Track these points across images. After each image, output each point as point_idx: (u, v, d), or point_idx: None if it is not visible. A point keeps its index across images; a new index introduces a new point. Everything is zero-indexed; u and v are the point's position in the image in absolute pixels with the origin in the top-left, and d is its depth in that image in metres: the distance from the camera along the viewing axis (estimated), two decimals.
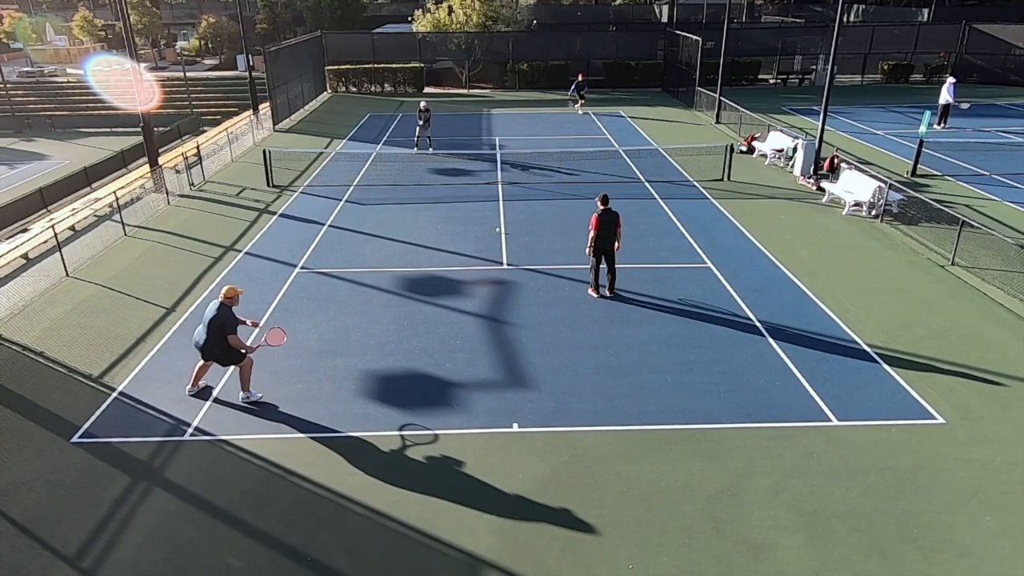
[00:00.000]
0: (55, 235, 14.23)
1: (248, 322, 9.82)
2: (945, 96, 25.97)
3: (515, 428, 9.10)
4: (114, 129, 34.06)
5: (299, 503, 7.87)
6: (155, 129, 22.35)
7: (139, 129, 21.27)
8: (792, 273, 13.73)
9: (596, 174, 20.55)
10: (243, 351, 9.33)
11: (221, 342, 9.13)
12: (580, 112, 30.63)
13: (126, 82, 31.17)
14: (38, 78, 42.77)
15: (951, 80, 26.34)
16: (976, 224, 14.27)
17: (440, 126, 25.77)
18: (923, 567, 6.95)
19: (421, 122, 23.19)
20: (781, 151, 21.49)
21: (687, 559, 7.07)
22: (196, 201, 18.89)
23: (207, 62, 51.56)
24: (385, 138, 26.26)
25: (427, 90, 37.36)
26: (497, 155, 23.15)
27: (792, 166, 20.78)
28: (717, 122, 28.22)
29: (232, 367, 9.96)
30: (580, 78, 30.93)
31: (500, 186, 19.65)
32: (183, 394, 9.85)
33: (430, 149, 23.37)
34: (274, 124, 28.38)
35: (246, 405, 9.59)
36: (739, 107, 26.35)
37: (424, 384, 10.11)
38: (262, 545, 7.30)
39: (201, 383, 9.91)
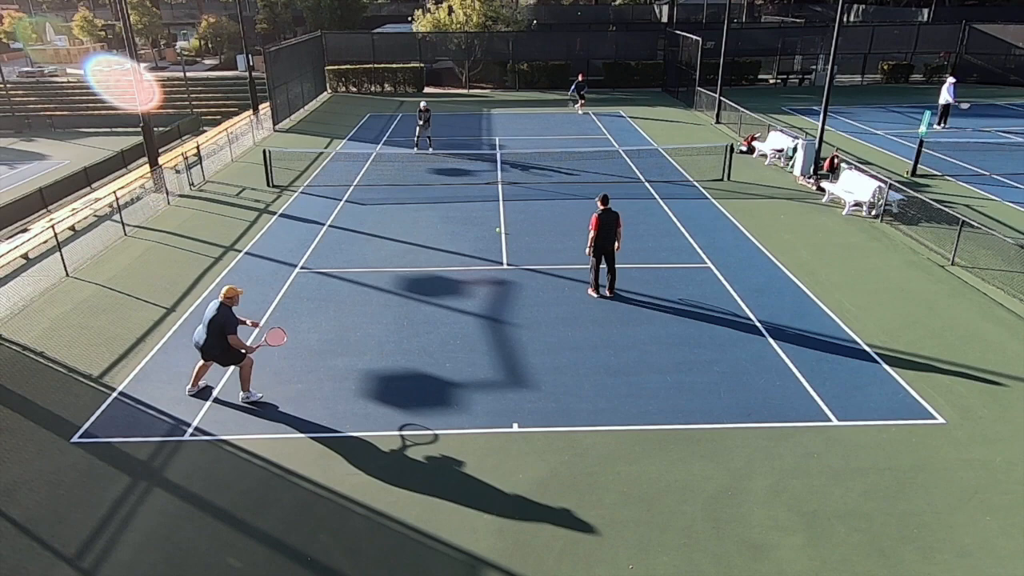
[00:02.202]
0: (55, 235, 14.23)
1: (248, 322, 9.82)
2: (945, 96, 25.97)
3: (515, 428, 9.10)
4: (114, 129, 34.10)
5: (299, 503, 7.87)
6: (155, 129, 22.37)
7: (139, 129, 21.28)
8: (792, 273, 13.73)
9: (596, 174, 20.55)
10: (243, 351, 9.31)
11: (221, 342, 9.12)
12: (580, 112, 30.63)
13: (126, 82, 31.21)
14: (38, 78, 42.81)
15: (951, 80, 26.34)
16: (976, 224, 14.26)
17: (440, 126, 25.79)
18: (923, 567, 6.95)
19: (421, 122, 23.19)
20: (781, 151, 21.49)
21: (687, 559, 7.07)
22: (196, 201, 18.89)
23: (207, 62, 51.59)
24: (385, 138, 26.26)
25: (427, 90, 37.37)
26: (497, 155, 23.15)
27: (792, 166, 20.78)
28: (717, 122, 28.22)
29: (232, 367, 9.96)
30: (580, 78, 30.94)
31: (500, 186, 19.65)
32: (183, 394, 9.85)
33: (430, 149, 23.37)
34: (274, 124, 28.39)
35: (246, 405, 9.59)
36: (739, 107, 26.35)
37: (424, 384, 10.11)
38: (262, 545, 7.30)
39: (201, 383, 9.91)
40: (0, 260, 14.35)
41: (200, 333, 9.32)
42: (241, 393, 9.65)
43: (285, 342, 9.59)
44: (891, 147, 23.80)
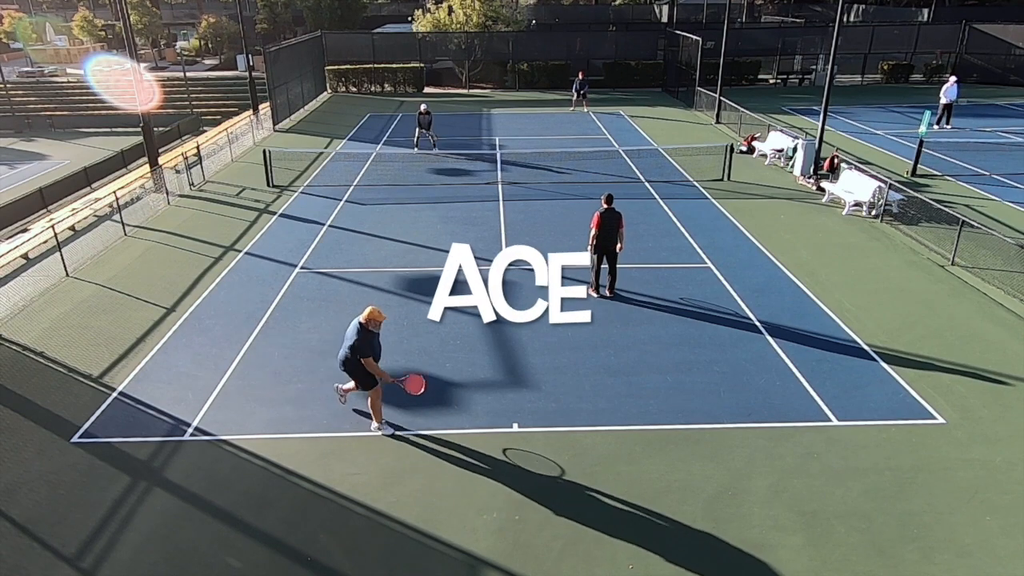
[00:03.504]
0: (55, 235, 14.24)
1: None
2: (944, 96, 25.90)
3: (515, 428, 9.10)
4: (114, 129, 34.08)
5: (299, 503, 7.87)
6: (155, 129, 22.37)
7: (139, 129, 21.29)
8: (792, 273, 13.73)
9: (596, 174, 20.54)
10: (376, 377, 8.65)
11: (357, 361, 8.60)
12: (571, 110, 30.68)
13: (126, 82, 31.18)
14: (38, 78, 42.81)
15: (953, 79, 26.25)
16: (976, 224, 14.27)
17: (440, 126, 25.73)
18: (923, 567, 6.96)
19: (423, 127, 23.18)
20: (781, 151, 21.49)
21: (687, 559, 7.07)
22: (196, 201, 18.89)
23: (207, 62, 51.57)
24: (385, 138, 26.26)
25: (427, 90, 37.36)
26: (497, 155, 23.14)
27: (792, 166, 20.78)
28: (717, 122, 28.22)
29: (358, 389, 9.24)
30: (580, 76, 30.93)
31: (500, 186, 19.65)
32: (183, 394, 9.85)
33: (435, 149, 23.33)
34: (274, 124, 28.38)
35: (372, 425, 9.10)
36: (739, 107, 26.35)
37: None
38: (262, 545, 7.30)
39: (344, 400, 9.48)
40: (0, 260, 14.35)
41: (342, 352, 8.74)
42: (373, 423, 9.10)
43: (421, 392, 8.97)
44: (891, 147, 23.80)
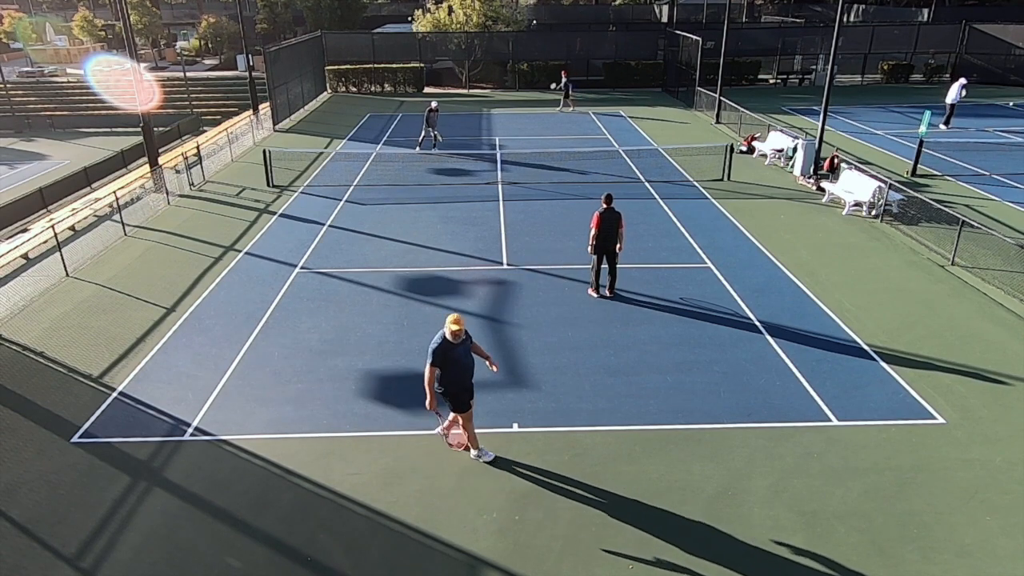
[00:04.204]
0: (55, 235, 14.24)
1: (490, 365, 8.47)
2: (951, 95, 25.83)
3: (515, 428, 9.10)
4: (114, 129, 34.13)
5: (299, 503, 7.87)
6: (155, 129, 22.38)
7: (139, 129, 21.29)
8: (792, 273, 13.73)
9: (596, 174, 20.55)
10: (425, 387, 8.03)
11: (442, 377, 8.01)
12: (559, 111, 30.65)
13: (126, 82, 31.21)
14: (38, 78, 42.84)
15: (962, 80, 26.17)
16: (976, 224, 14.26)
17: (440, 126, 25.75)
18: (923, 567, 6.95)
19: (430, 123, 23.17)
20: (781, 151, 21.49)
21: (687, 559, 7.07)
22: (196, 201, 18.89)
23: (207, 62, 51.59)
24: (385, 138, 26.26)
25: (427, 90, 37.36)
26: (497, 155, 23.15)
27: (792, 166, 20.78)
28: (717, 122, 28.21)
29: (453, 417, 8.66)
30: (564, 75, 30.89)
31: (500, 186, 19.65)
32: (183, 394, 9.85)
33: (435, 148, 23.32)
34: (274, 124, 28.38)
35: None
36: (739, 107, 26.34)
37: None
38: (262, 545, 7.30)
39: (477, 446, 8.64)
40: (0, 260, 14.35)
41: None
42: (472, 452, 8.59)
43: (455, 444, 8.66)
44: (891, 147, 23.80)
